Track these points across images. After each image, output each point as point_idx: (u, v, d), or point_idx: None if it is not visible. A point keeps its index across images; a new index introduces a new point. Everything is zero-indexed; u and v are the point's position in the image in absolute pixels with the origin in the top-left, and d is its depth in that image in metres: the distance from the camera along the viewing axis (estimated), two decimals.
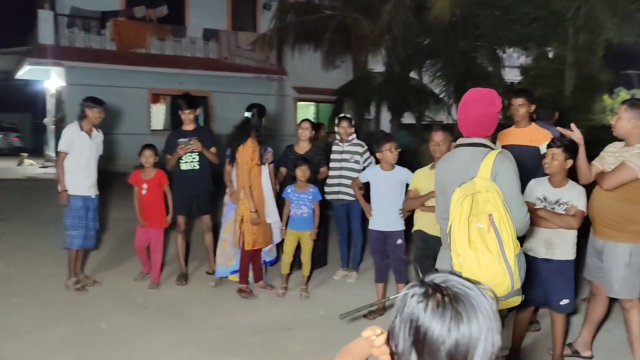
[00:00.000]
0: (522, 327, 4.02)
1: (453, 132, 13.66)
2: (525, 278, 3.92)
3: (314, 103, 19.52)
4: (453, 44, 14.34)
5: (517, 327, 4.02)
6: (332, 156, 6.12)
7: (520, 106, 5.01)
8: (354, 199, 5.97)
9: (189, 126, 5.94)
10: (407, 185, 4.86)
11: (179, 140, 5.74)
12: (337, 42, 15.62)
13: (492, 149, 2.92)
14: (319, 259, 6.16)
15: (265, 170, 5.55)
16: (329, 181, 6.10)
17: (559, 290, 3.82)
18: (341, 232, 6.20)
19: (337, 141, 6.16)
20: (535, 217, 3.90)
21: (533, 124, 4.91)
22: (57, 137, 6.03)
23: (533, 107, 5.02)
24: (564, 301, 3.82)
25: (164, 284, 5.82)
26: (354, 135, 6.06)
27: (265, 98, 18.29)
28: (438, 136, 4.30)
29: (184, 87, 17.22)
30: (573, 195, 3.79)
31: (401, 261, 4.87)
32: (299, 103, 19.14)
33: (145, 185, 5.69)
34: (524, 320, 4.00)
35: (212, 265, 6.16)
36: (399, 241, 4.85)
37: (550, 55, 12.84)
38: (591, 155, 4.03)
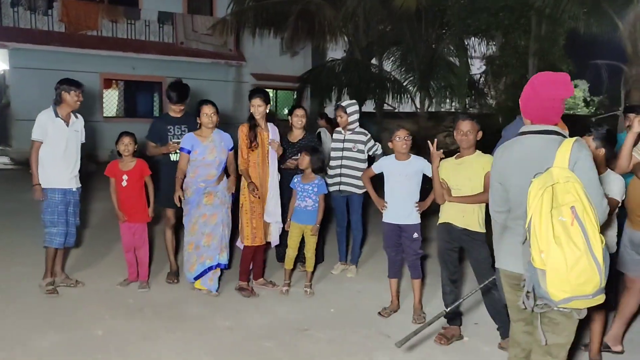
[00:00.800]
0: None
1: (418, 120, 13.45)
2: None
3: (272, 90, 19.03)
4: (418, 32, 14.26)
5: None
6: (333, 145, 5.81)
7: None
8: (355, 190, 5.71)
9: (177, 113, 5.50)
10: (424, 175, 4.63)
11: (174, 141, 5.33)
12: (298, 29, 15.27)
13: (565, 136, 2.71)
14: (317, 255, 5.85)
15: (273, 165, 5.22)
16: (329, 172, 5.79)
17: None
18: (340, 224, 5.92)
19: (338, 129, 5.85)
20: None
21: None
22: (1, 125, 5.34)
23: None
24: None
25: (154, 283, 5.39)
26: (357, 124, 5.77)
27: (223, 84, 17.80)
28: (465, 125, 4.06)
29: (138, 72, 16.64)
30: (607, 183, 3.63)
31: (417, 256, 4.63)
32: None
33: (125, 177, 5.20)
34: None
35: None
36: (415, 235, 4.60)
37: (516, 44, 12.87)
38: None
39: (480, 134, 4.08)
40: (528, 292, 2.55)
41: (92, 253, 6.24)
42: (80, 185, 5.20)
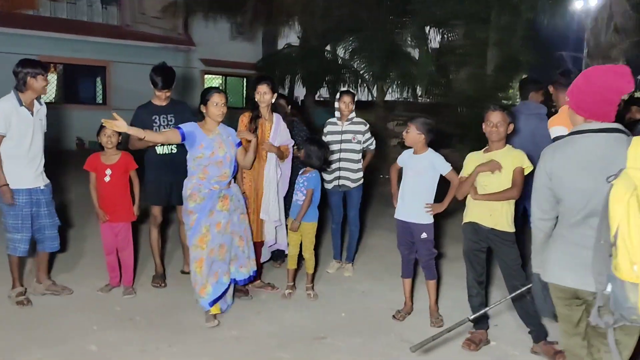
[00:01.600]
0: None
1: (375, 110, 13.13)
2: None
3: (221, 76, 18.43)
4: (378, 19, 14.01)
5: None
6: (329, 137, 5.44)
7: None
8: (354, 185, 5.41)
9: (162, 101, 5.01)
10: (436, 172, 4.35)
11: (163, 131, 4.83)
12: (257, 12, 14.76)
13: (628, 134, 2.50)
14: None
15: (272, 159, 4.82)
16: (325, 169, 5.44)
17: None
18: (336, 220, 5.57)
19: (334, 120, 5.50)
20: None
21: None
22: None
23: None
24: None
25: (139, 288, 4.91)
26: (354, 113, 5.44)
27: None
28: (495, 116, 3.81)
29: (79, 55, 15.62)
30: None
31: (430, 256, 4.37)
32: (207, 76, 17.97)
33: (108, 171, 4.68)
34: None
35: (189, 262, 5.34)
36: (424, 235, 4.33)
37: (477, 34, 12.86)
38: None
39: (511, 126, 3.85)
40: (600, 307, 2.35)
41: (66, 256, 5.60)
42: (48, 181, 4.61)
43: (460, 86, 13.06)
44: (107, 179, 4.66)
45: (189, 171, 4.30)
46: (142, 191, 4.88)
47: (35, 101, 4.49)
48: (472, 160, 3.97)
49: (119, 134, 4.68)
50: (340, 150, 5.38)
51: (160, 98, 4.96)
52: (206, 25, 16.35)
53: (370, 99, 15.49)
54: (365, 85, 15.11)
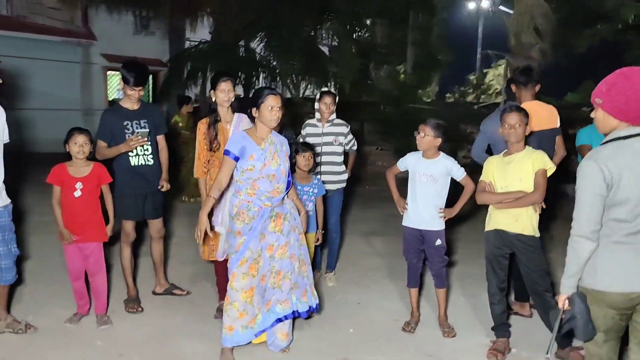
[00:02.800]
0: None
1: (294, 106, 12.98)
2: None
3: None
4: (298, 16, 13.76)
5: None
6: (309, 140, 5.13)
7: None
8: (335, 188, 5.15)
9: (133, 104, 4.44)
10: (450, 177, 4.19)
11: (138, 131, 4.28)
12: (155, 5, 13.97)
13: None
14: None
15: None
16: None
17: None
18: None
19: (313, 121, 5.19)
20: None
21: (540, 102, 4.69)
22: None
23: (538, 87, 4.81)
24: None
25: (111, 315, 4.31)
26: (334, 115, 5.17)
27: (69, 66, 15.69)
28: (512, 118, 3.69)
29: None
30: None
31: (443, 263, 4.21)
32: (109, 72, 16.78)
33: (79, 185, 4.07)
34: None
35: (163, 283, 4.83)
36: (438, 242, 4.16)
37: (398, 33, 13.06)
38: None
39: (529, 127, 3.75)
40: None
41: (21, 285, 4.82)
42: (9, 201, 3.90)
43: (382, 84, 13.18)
44: (77, 193, 4.03)
45: (236, 185, 3.67)
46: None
47: None
48: (492, 164, 3.86)
49: (92, 142, 4.08)
50: (322, 154, 5.10)
51: (132, 99, 4.39)
52: (108, 19, 15.21)
53: (289, 96, 15.24)
54: (282, 82, 14.83)
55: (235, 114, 4.42)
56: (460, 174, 4.09)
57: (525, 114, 3.75)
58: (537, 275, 3.75)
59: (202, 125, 4.36)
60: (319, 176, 5.00)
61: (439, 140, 4.05)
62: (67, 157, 4.11)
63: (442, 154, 4.15)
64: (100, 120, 4.37)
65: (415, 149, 4.16)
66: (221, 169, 3.62)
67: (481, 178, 3.90)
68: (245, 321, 3.65)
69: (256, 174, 3.59)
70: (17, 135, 3.79)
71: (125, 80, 4.32)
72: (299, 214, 3.89)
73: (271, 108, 3.58)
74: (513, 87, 4.82)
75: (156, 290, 4.82)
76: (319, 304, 3.94)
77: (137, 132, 4.28)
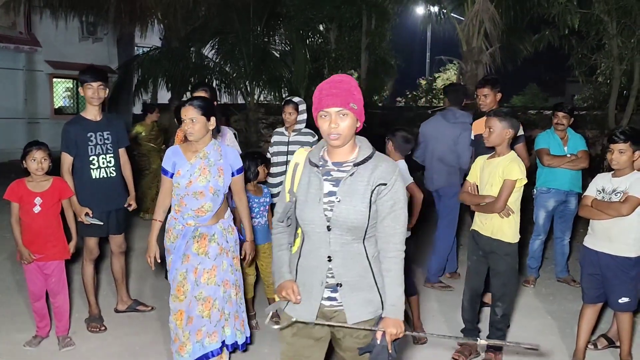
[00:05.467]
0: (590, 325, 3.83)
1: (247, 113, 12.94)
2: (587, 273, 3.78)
3: (72, 80, 16.76)
4: (247, 22, 13.66)
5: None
6: (275, 149, 5.08)
7: (485, 96, 4.88)
8: None
9: (96, 115, 4.27)
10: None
11: (91, 221, 4.14)
12: (100, 10, 13.63)
13: None
14: None
15: None
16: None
17: (617, 287, 3.64)
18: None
19: (281, 129, 5.15)
20: (588, 210, 3.74)
21: None
22: None
23: (499, 96, 4.92)
24: (623, 299, 3.63)
25: (73, 336, 4.12)
26: (304, 124, 5.11)
27: (11, 73, 15.11)
28: (488, 122, 3.66)
29: None
30: (631, 182, 3.61)
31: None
32: (55, 79, 16.23)
33: (38, 200, 3.89)
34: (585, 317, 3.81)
35: (125, 299, 4.67)
36: None
37: (350, 38, 13.14)
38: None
39: (510, 132, 3.63)
40: None
41: None
42: None
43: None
44: (36, 209, 3.85)
45: (172, 201, 3.50)
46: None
47: None
48: (477, 165, 3.89)
49: (51, 156, 3.91)
50: (287, 163, 5.05)
51: (94, 102, 4.17)
52: (53, 24, 14.71)
53: (241, 101, 15.13)
54: (234, 87, 14.69)
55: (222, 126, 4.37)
56: (408, 179, 4.09)
57: (504, 119, 3.64)
58: (495, 281, 3.79)
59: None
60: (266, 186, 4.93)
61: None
62: (10, 167, 3.93)
63: (401, 160, 4.17)
64: (63, 133, 4.17)
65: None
66: (161, 189, 3.48)
67: (467, 177, 3.97)
68: (175, 347, 3.42)
69: (182, 191, 3.37)
70: None
71: (82, 81, 4.15)
72: (244, 231, 3.68)
73: (183, 121, 3.32)
74: (484, 92, 4.88)
75: (119, 308, 4.65)
76: (249, 338, 3.65)
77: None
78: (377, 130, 12.46)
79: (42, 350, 3.96)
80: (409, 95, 17.94)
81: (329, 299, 2.28)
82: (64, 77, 16.44)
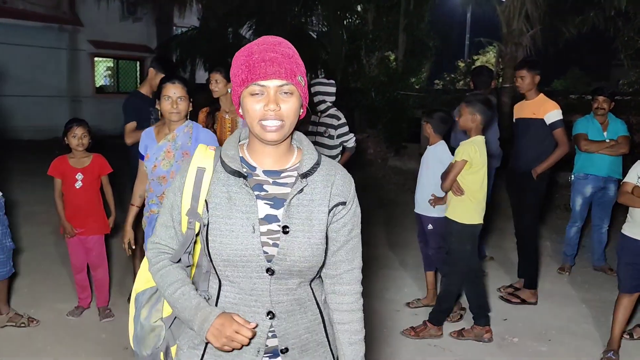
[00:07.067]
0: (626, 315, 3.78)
1: None
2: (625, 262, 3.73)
3: (113, 59, 17.07)
4: (284, 2, 13.66)
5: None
6: (309, 128, 5.14)
7: (522, 78, 4.77)
8: None
9: (150, 92, 4.38)
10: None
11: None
12: None
13: None
14: None
15: None
16: None
17: None
18: None
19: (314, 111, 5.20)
20: (628, 197, 3.67)
21: (541, 95, 4.72)
22: None
23: (537, 79, 4.81)
24: None
25: (114, 309, 4.26)
26: (326, 105, 5.12)
27: (55, 52, 15.44)
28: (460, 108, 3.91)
29: None
30: None
31: (434, 250, 4.29)
32: (96, 59, 16.54)
33: (79, 176, 4.03)
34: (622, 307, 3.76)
35: None
36: (430, 227, 4.27)
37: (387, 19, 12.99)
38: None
39: (475, 117, 3.75)
40: None
41: (19, 278, 4.76)
42: (0, 194, 3.85)
43: (373, 71, 13.14)
44: (78, 184, 4.00)
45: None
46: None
47: None
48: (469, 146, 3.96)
49: (90, 133, 4.03)
50: (315, 143, 5.08)
51: (154, 87, 4.25)
52: (95, 4, 14.96)
53: None
54: None
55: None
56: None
57: (470, 105, 3.79)
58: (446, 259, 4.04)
59: (202, 114, 4.41)
60: None
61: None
62: (52, 144, 4.06)
63: (441, 142, 4.20)
64: (126, 104, 4.32)
65: (400, 137, 4.31)
66: (138, 172, 3.40)
67: (455, 159, 4.03)
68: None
69: (150, 176, 3.25)
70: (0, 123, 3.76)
71: (156, 68, 4.36)
72: None
73: (167, 98, 3.13)
74: (523, 72, 4.80)
75: None
76: None
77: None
78: (413, 113, 12.38)
79: (84, 320, 4.12)
80: (447, 78, 17.74)
81: None
82: (105, 57, 16.75)
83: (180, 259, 1.54)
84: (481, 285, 4.12)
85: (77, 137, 3.96)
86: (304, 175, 1.49)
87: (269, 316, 1.49)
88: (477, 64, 18.08)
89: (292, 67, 1.43)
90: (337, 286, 1.60)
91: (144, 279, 1.68)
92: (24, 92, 13.82)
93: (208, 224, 1.47)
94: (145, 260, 1.64)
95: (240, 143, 1.58)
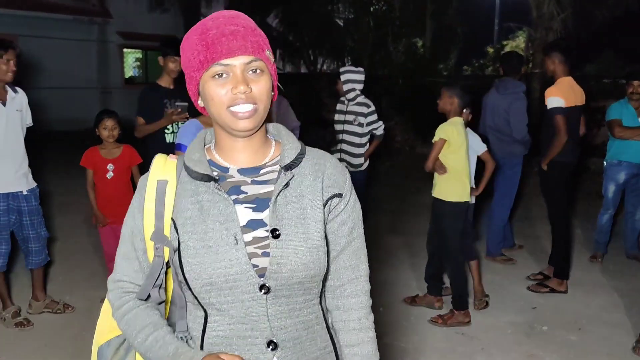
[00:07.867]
0: None
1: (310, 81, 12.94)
2: None
3: (141, 51, 17.26)
4: None
5: None
6: (335, 117, 5.16)
7: (552, 62, 4.69)
8: (355, 169, 5.14)
9: (170, 83, 4.41)
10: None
11: (177, 104, 4.24)
12: None
13: None
14: None
15: None
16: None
17: None
18: None
19: (343, 98, 5.19)
20: None
21: (560, 79, 4.63)
22: None
23: (568, 62, 4.71)
24: None
25: None
26: (355, 93, 5.11)
27: (85, 44, 15.69)
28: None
29: None
30: None
31: (466, 235, 4.26)
32: (125, 50, 16.75)
33: (110, 167, 4.12)
34: None
35: None
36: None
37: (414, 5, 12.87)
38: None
39: (456, 101, 3.93)
40: None
41: (54, 266, 4.87)
42: (34, 185, 3.94)
43: (400, 58, 13.03)
44: (109, 175, 4.10)
45: None
46: None
47: (8, 88, 3.80)
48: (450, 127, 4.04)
49: (121, 125, 4.11)
50: (343, 132, 5.11)
51: (173, 74, 4.34)
52: None
53: (304, 71, 15.21)
54: (297, 56, 14.79)
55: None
56: (481, 148, 4.13)
57: (446, 89, 4.02)
58: (440, 242, 4.11)
59: None
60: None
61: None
62: (83, 135, 4.14)
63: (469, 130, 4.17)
64: (140, 98, 4.39)
65: (425, 123, 4.36)
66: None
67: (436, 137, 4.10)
68: None
69: None
70: (32, 115, 3.88)
71: (166, 53, 4.33)
72: None
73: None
74: (548, 59, 4.72)
75: None
76: None
77: (177, 105, 4.19)
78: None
79: None
80: (476, 64, 17.49)
81: None
82: (134, 48, 16.96)
83: (149, 296, 1.25)
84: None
85: (108, 129, 4.04)
86: (288, 167, 1.24)
87: (270, 347, 1.19)
88: (507, 49, 17.79)
89: (258, 40, 1.18)
90: (340, 300, 1.31)
91: (107, 327, 1.35)
92: (56, 84, 14.09)
93: (179, 245, 1.19)
94: (106, 302, 1.35)
95: (206, 147, 1.32)
